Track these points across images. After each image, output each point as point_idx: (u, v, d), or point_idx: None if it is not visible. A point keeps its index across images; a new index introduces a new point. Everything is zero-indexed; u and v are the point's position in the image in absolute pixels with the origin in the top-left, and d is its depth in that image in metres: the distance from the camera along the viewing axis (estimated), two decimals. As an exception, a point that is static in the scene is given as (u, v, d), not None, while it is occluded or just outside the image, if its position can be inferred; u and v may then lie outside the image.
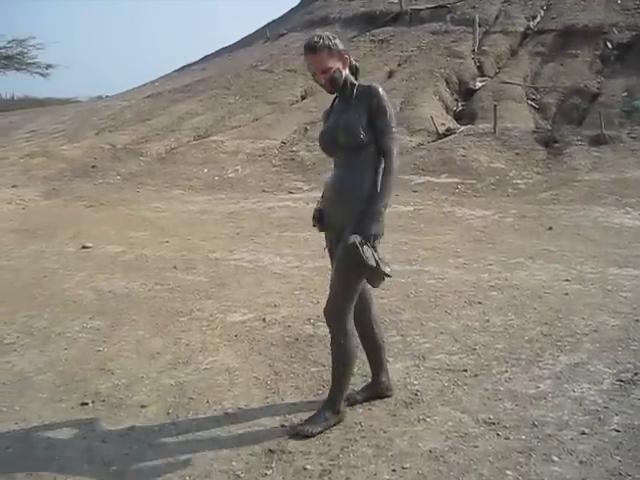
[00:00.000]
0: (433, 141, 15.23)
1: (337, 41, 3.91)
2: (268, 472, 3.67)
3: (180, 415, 4.33)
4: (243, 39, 30.87)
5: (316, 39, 3.86)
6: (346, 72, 3.94)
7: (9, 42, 35.32)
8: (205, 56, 31.76)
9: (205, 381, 4.78)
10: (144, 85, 29.10)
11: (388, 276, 3.86)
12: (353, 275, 3.89)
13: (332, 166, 4.11)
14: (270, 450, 3.86)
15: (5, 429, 4.32)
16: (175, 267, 7.44)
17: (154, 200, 12.23)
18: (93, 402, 4.55)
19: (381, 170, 3.85)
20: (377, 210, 3.81)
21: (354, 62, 4.03)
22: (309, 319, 5.79)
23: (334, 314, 4.05)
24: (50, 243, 9.15)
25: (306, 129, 16.34)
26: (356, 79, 4.01)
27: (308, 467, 3.67)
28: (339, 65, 3.89)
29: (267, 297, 6.43)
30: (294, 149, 15.04)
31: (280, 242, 8.49)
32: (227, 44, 31.55)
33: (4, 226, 10.51)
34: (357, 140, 3.82)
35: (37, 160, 16.35)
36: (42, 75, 37.24)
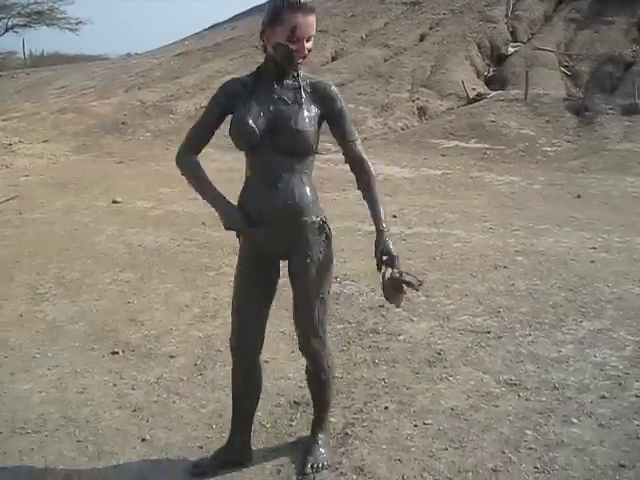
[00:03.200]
0: (463, 105, 15.16)
1: None
2: (293, 423, 3.78)
3: (207, 366, 4.45)
4: (273, -1, 30.62)
5: None
6: None
7: (40, -3, 35.57)
8: (235, 15, 31.66)
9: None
10: (174, 43, 29.06)
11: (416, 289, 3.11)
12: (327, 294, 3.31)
13: (249, 173, 3.15)
14: (295, 402, 3.98)
15: (39, 374, 4.46)
16: (204, 223, 7.52)
17: (183, 158, 12.27)
18: (123, 351, 4.68)
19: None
20: (385, 228, 3.07)
21: None
22: (336, 277, 5.81)
23: (321, 343, 3.40)
24: (81, 197, 9.28)
25: (336, 90, 16.30)
26: None
27: (332, 420, 3.76)
28: None
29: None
30: (323, 111, 15.04)
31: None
32: (258, 3, 31.38)
33: (36, 180, 10.66)
34: (306, 148, 3.04)
35: (67, 116, 16.45)
36: (72, 30, 37.53)
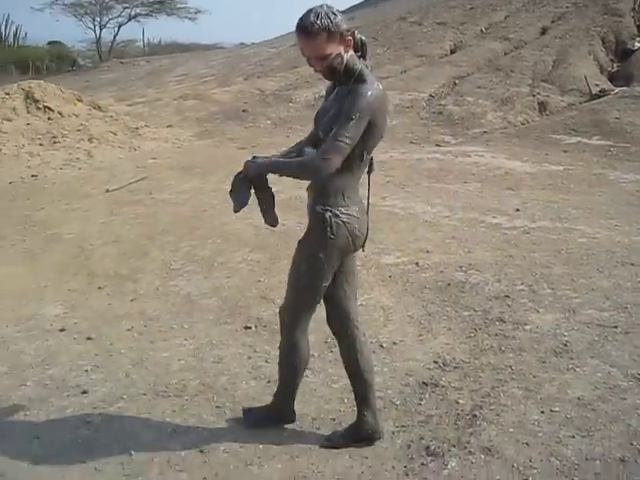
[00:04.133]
0: (585, 101, 14.84)
1: (339, 19, 3.08)
2: (422, 402, 3.91)
3: (337, 344, 4.60)
4: (392, -10, 30.69)
5: (312, 18, 3.05)
6: (349, 54, 3.16)
7: (162, -12, 36.85)
8: (352, 6, 31.79)
9: (361, 316, 4.96)
10: (289, 33, 29.35)
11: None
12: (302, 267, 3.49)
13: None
14: (424, 383, 4.10)
15: (177, 343, 4.73)
16: (330, 210, 7.68)
17: (305, 145, 12.51)
18: (256, 327, 4.90)
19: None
20: (278, 162, 3.36)
21: (360, 38, 3.24)
22: (461, 267, 5.94)
23: (286, 308, 3.65)
24: (207, 180, 9.60)
25: (455, 83, 16.24)
26: (364, 56, 3.26)
27: (460, 401, 3.89)
28: (340, 49, 3.11)
29: (419, 243, 6.62)
30: (442, 102, 15.02)
31: (430, 192, 8.63)
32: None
33: (163, 162, 11.08)
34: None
35: (190, 102, 16.95)
36: (190, 19, 38.53)
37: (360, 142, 3.15)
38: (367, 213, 3.51)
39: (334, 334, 3.73)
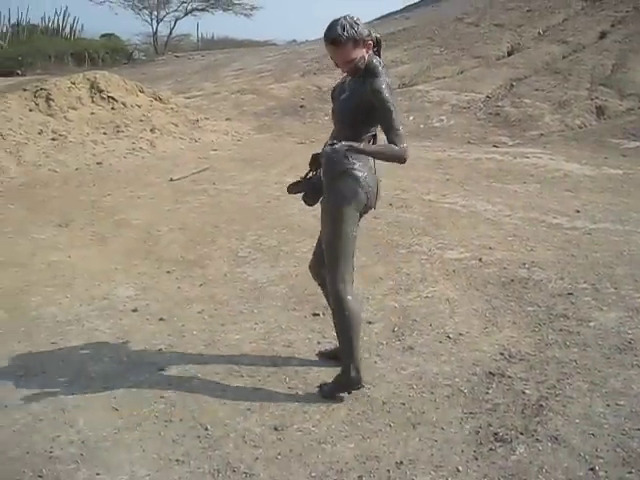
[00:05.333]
0: (645, 106, 14.70)
1: (361, 27, 3.68)
2: (489, 391, 4.02)
3: (405, 333, 4.74)
4: (447, -10, 30.61)
5: (339, 30, 3.61)
6: (369, 54, 3.74)
7: (220, -17, 37.21)
8: (407, 5, 31.77)
9: (427, 307, 5.16)
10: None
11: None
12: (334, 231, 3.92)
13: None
14: (490, 373, 4.21)
15: (247, 327, 4.89)
16: (391, 204, 7.79)
17: (362, 142, 12.63)
18: (324, 314, 5.03)
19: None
20: (369, 147, 3.79)
21: (376, 36, 3.79)
22: (524, 263, 6.01)
23: (329, 275, 4.05)
24: (268, 173, 9.77)
25: (512, 85, 16.18)
26: (379, 52, 3.83)
27: (527, 392, 3.98)
28: (363, 52, 3.70)
29: (482, 240, 6.70)
30: (499, 104, 15.00)
31: (490, 191, 8.68)
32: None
33: (224, 154, 11.28)
34: (348, 122, 3.82)
35: (247, 97, 17.14)
36: (246, 16, 38.80)
37: (369, 122, 3.79)
38: (375, 174, 3.91)
39: (321, 286, 4.29)
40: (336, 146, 3.59)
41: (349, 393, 3.98)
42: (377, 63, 3.75)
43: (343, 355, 3.99)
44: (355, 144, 3.65)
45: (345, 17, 3.69)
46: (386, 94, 3.65)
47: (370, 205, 3.95)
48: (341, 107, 3.84)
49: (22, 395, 4.03)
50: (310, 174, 3.95)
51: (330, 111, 4.15)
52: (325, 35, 3.68)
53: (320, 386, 4.07)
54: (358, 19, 3.71)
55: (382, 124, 3.73)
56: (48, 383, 4.17)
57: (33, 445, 3.57)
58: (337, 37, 3.62)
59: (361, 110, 3.73)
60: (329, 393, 3.99)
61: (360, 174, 3.78)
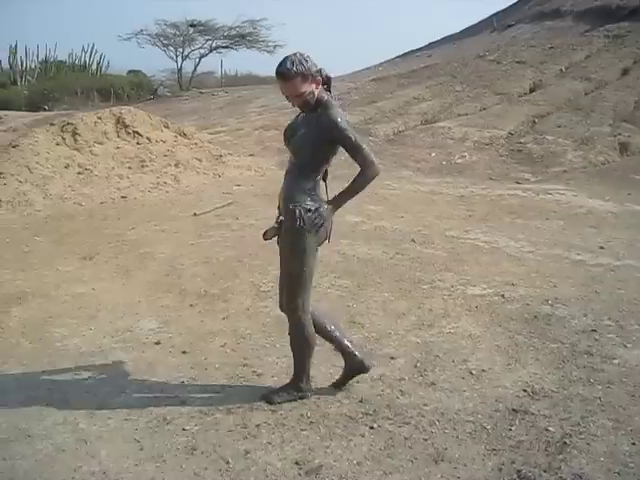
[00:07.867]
0: (667, 143, 14.69)
1: (310, 63, 3.88)
2: (512, 428, 3.98)
3: (427, 369, 4.72)
4: (468, 28, 30.89)
5: (289, 65, 3.83)
6: (318, 90, 3.95)
7: (243, 22, 38.25)
8: (429, 43, 32.02)
9: (449, 343, 5.15)
10: (367, 69, 29.74)
11: None
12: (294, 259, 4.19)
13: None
14: (514, 409, 4.17)
15: (269, 361, 4.91)
16: (413, 240, 7.82)
17: (385, 178, 12.58)
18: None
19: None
20: (346, 194, 4.01)
21: (325, 74, 4.00)
22: (547, 300, 5.99)
23: (293, 309, 4.36)
24: (291, 208, 9.77)
25: (534, 122, 16.25)
26: (329, 89, 4.05)
27: (550, 429, 3.95)
28: (312, 87, 3.90)
29: (504, 276, 6.69)
30: (522, 141, 15.05)
31: (513, 227, 8.68)
32: (450, 32, 31.73)
33: (247, 190, 11.36)
34: (304, 158, 4.01)
35: (270, 133, 17.24)
36: (269, 52, 39.21)
37: (325, 155, 4.00)
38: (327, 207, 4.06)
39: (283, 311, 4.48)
40: (323, 213, 3.97)
41: (298, 400, 4.29)
42: (329, 97, 3.99)
43: (296, 367, 4.35)
44: (337, 202, 4.02)
45: (296, 54, 3.90)
46: (343, 124, 3.89)
47: (327, 237, 4.19)
48: (299, 144, 4.01)
49: (45, 425, 4.05)
50: (281, 218, 4.18)
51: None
52: (276, 69, 3.88)
53: (265, 394, 4.36)
54: (308, 56, 3.92)
55: (347, 151, 3.92)
56: (71, 414, 4.19)
57: (55, 475, 3.59)
58: (286, 71, 3.83)
59: (319, 144, 3.95)
60: (274, 399, 4.30)
61: (315, 208, 3.99)
